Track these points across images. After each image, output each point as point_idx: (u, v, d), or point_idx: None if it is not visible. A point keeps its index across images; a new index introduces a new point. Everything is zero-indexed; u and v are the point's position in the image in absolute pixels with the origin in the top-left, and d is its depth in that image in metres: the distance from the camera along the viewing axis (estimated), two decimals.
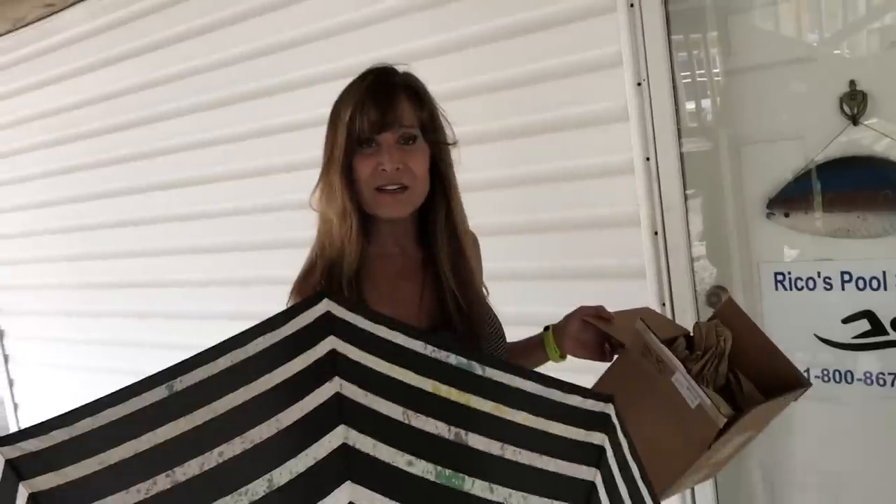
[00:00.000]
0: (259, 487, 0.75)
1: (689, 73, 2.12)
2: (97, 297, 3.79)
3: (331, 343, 0.84)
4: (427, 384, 0.85)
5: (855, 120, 1.84)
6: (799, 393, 1.35)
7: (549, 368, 1.53)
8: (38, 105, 3.83)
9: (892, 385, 1.91)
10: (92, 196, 3.68)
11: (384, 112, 1.28)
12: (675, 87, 2.01)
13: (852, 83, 1.84)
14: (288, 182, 2.73)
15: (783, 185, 1.96)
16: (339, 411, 0.79)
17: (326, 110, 1.35)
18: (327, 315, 0.86)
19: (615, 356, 1.43)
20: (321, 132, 1.36)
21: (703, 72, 2.13)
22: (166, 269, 3.43)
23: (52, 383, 4.21)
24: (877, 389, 1.93)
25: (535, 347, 1.51)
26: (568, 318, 1.49)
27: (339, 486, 0.74)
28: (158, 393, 0.79)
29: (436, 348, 0.88)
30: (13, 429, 4.51)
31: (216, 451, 0.77)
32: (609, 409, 0.91)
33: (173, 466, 0.76)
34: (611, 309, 1.47)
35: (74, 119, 3.66)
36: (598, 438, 0.88)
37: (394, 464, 0.78)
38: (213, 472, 0.76)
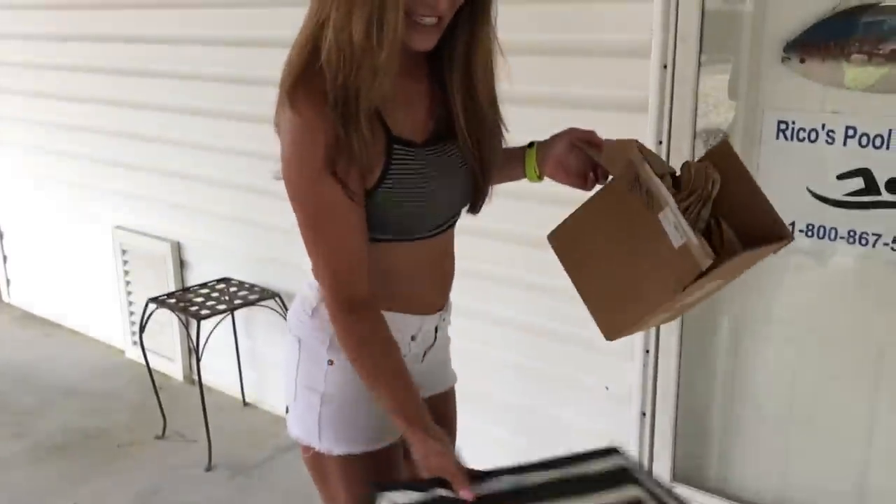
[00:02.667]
0: None
1: None
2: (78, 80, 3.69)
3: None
4: None
5: None
6: (779, 246, 1.30)
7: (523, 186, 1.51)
8: None
9: (874, 246, 1.91)
10: None
11: None
12: None
13: None
14: None
15: (805, 29, 1.88)
16: None
17: None
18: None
19: (598, 186, 1.37)
20: None
21: None
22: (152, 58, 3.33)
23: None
24: (858, 249, 1.93)
25: (515, 161, 1.46)
26: (555, 137, 1.43)
27: None
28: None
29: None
30: None
31: None
32: (624, 461, 1.27)
33: None
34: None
35: None
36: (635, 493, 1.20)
37: None
38: None
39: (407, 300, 1.35)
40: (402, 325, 1.34)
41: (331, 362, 1.36)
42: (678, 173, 1.33)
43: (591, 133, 1.40)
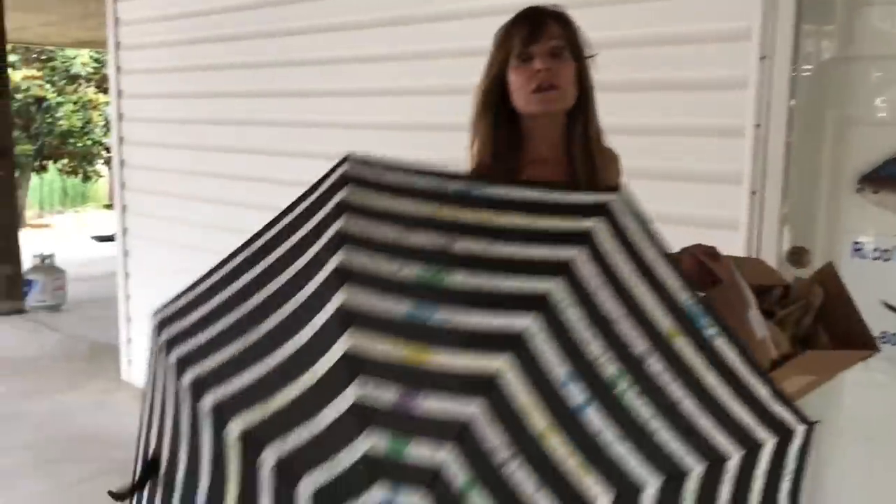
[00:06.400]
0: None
1: (808, 55, 2.36)
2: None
3: (344, 191, 1.02)
4: (426, 209, 0.99)
5: None
6: (864, 354, 1.55)
7: None
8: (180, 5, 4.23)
9: None
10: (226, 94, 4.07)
11: (534, 28, 1.54)
12: (796, 63, 2.25)
13: None
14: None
15: (877, 165, 2.22)
16: (339, 244, 0.95)
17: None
18: (344, 174, 1.06)
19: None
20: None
21: (819, 55, 2.37)
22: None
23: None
24: None
25: None
26: (683, 250, 1.73)
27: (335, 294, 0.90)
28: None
29: (439, 179, 1.03)
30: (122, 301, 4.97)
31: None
32: (610, 197, 0.95)
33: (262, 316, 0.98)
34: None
35: (214, 22, 4.05)
36: (588, 224, 0.90)
37: (384, 271, 0.92)
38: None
39: None
40: None
41: None
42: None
43: (713, 248, 1.70)
